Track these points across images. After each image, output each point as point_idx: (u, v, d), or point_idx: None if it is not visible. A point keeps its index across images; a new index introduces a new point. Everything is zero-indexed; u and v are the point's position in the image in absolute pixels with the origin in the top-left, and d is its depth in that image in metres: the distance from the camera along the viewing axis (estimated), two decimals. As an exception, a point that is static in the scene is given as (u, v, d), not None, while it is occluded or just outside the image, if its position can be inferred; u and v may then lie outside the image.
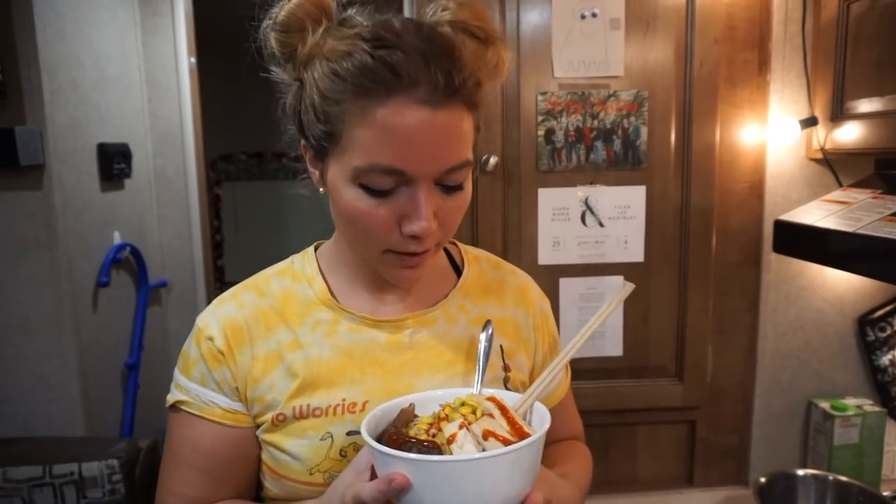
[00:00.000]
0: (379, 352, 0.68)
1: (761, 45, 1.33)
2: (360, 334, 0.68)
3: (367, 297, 0.71)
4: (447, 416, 0.55)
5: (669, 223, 1.34)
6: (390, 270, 0.64)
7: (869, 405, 1.35)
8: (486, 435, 0.53)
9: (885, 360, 1.38)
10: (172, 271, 2.15)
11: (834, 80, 1.22)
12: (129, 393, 1.80)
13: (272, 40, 0.63)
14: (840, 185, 1.32)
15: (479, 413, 0.55)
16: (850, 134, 1.19)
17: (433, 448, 0.52)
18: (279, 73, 0.65)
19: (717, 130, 1.32)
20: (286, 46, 0.62)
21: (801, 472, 1.26)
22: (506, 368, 0.72)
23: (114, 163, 1.77)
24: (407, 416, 0.58)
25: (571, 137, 1.30)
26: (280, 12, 0.61)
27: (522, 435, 0.53)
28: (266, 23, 0.63)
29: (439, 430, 0.54)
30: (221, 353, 0.67)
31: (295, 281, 0.72)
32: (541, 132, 1.30)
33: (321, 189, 0.66)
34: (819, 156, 1.29)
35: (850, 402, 1.36)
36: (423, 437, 0.54)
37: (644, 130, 1.31)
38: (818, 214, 1.17)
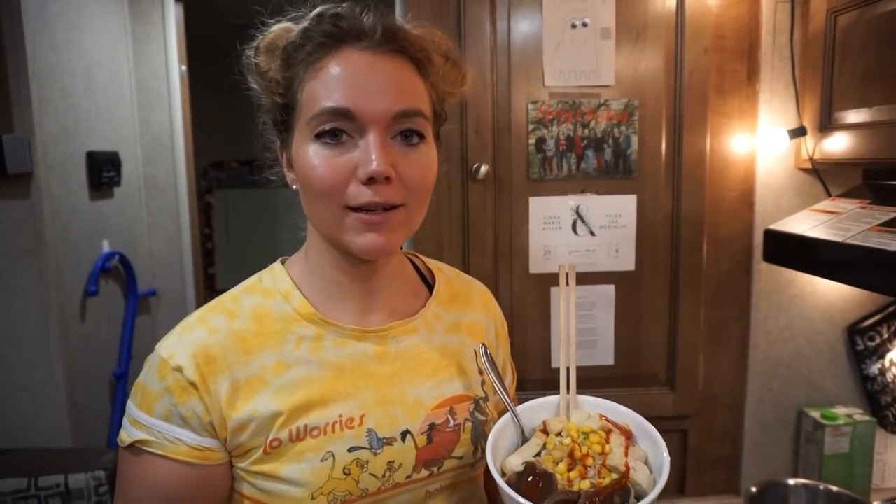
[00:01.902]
0: (368, 364, 0.67)
1: (750, 56, 1.34)
2: (346, 347, 0.67)
3: (347, 309, 0.69)
4: (578, 448, 0.58)
5: (660, 232, 1.35)
6: (354, 237, 0.62)
7: (859, 414, 1.36)
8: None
9: (875, 369, 1.38)
10: (162, 280, 2.14)
11: (822, 91, 1.23)
12: (118, 403, 1.78)
13: (258, 62, 0.68)
14: (829, 194, 1.33)
15: (599, 437, 0.59)
16: (839, 144, 1.20)
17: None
18: (258, 89, 0.69)
19: (707, 139, 1.33)
20: (260, 68, 0.68)
21: (791, 482, 1.26)
22: (480, 372, 0.74)
23: (103, 171, 1.76)
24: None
25: (562, 146, 1.31)
26: (262, 40, 0.68)
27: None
28: (250, 48, 0.69)
29: (584, 465, 0.56)
30: (192, 384, 0.61)
31: (267, 297, 0.68)
32: (532, 141, 1.30)
33: (294, 186, 0.68)
34: (808, 165, 1.30)
35: (841, 411, 1.37)
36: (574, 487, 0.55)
37: (635, 139, 1.31)
38: (807, 224, 1.18)
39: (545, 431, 0.61)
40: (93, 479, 1.34)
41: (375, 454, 0.63)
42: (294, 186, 0.67)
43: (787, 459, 1.44)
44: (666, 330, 1.38)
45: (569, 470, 0.56)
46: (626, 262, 1.35)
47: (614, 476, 0.55)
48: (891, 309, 1.38)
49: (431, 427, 0.67)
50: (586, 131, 1.31)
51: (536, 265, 1.34)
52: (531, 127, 1.30)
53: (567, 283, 0.66)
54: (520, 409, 0.64)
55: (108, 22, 1.88)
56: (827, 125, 1.23)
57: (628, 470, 0.55)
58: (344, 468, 0.62)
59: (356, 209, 0.61)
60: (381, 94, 0.60)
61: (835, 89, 1.21)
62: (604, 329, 1.36)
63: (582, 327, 1.35)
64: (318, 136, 0.60)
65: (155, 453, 0.61)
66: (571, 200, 1.32)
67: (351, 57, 0.61)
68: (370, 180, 0.59)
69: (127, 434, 0.63)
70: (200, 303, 2.20)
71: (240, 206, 3.76)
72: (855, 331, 1.39)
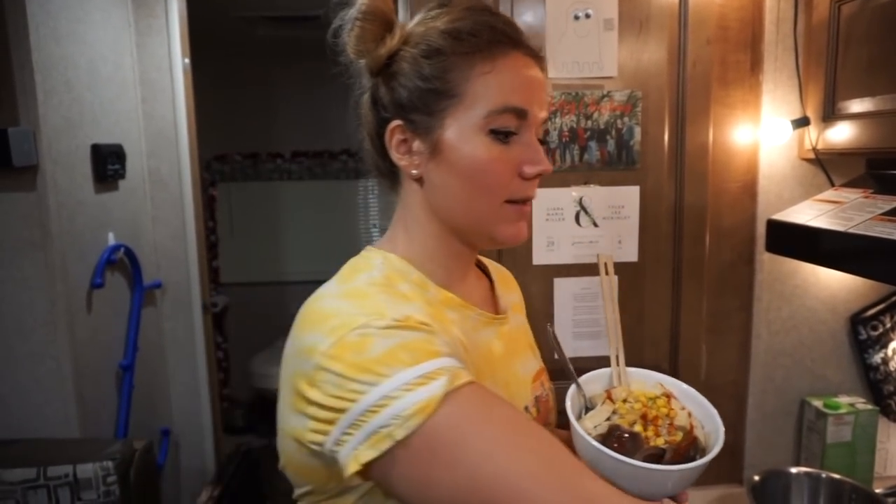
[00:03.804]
0: (493, 346, 0.72)
1: (753, 46, 1.34)
2: (478, 332, 0.71)
3: (465, 294, 0.72)
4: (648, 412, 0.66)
5: (663, 223, 1.35)
6: (506, 226, 0.67)
7: (861, 403, 1.36)
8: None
9: (878, 358, 1.39)
10: (167, 272, 2.15)
11: (825, 81, 1.23)
12: (124, 394, 1.80)
13: (355, 31, 0.66)
14: (832, 184, 1.33)
15: (664, 400, 0.67)
16: (842, 134, 1.20)
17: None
18: (357, 67, 0.69)
19: (710, 130, 1.33)
20: (366, 36, 0.66)
21: (794, 470, 1.26)
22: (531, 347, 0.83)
23: (108, 164, 1.77)
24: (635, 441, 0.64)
25: (565, 138, 1.31)
26: (362, 2, 0.65)
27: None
28: (349, 13, 0.67)
29: (654, 425, 0.63)
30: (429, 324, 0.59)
31: (402, 284, 0.66)
32: (535, 132, 1.30)
33: (414, 171, 0.67)
34: (811, 156, 1.30)
35: (843, 400, 1.37)
36: (658, 441, 0.62)
37: (638, 130, 1.31)
38: (810, 214, 1.18)
39: (611, 399, 0.68)
40: (101, 469, 1.35)
41: None
42: (415, 171, 0.67)
43: (790, 448, 1.45)
44: (669, 320, 1.38)
45: (643, 430, 0.63)
46: (629, 253, 1.35)
47: (680, 434, 0.63)
48: (894, 298, 1.39)
49: (537, 399, 0.76)
50: (589, 123, 1.31)
51: (540, 256, 1.34)
52: (534, 118, 1.30)
53: (606, 273, 0.74)
54: (581, 379, 0.73)
55: (111, 14, 1.88)
56: (830, 115, 1.23)
57: (692, 428, 0.63)
58: None
59: (512, 202, 0.66)
60: (542, 101, 0.67)
61: (838, 79, 1.21)
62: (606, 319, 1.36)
63: (585, 318, 1.36)
64: (493, 132, 0.64)
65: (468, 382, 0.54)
66: (574, 192, 1.32)
67: (524, 61, 0.65)
68: (533, 177, 0.66)
69: (431, 391, 0.52)
70: (206, 295, 2.21)
71: (243, 199, 3.76)
72: (858, 320, 1.39)
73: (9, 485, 1.31)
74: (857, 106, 1.15)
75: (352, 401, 0.53)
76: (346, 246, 4.04)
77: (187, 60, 2.12)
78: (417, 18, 0.69)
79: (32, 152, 1.43)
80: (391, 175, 0.72)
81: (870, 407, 1.35)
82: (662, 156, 1.33)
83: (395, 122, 0.67)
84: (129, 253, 1.88)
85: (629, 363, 0.73)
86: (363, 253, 0.72)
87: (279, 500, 2.92)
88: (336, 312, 0.59)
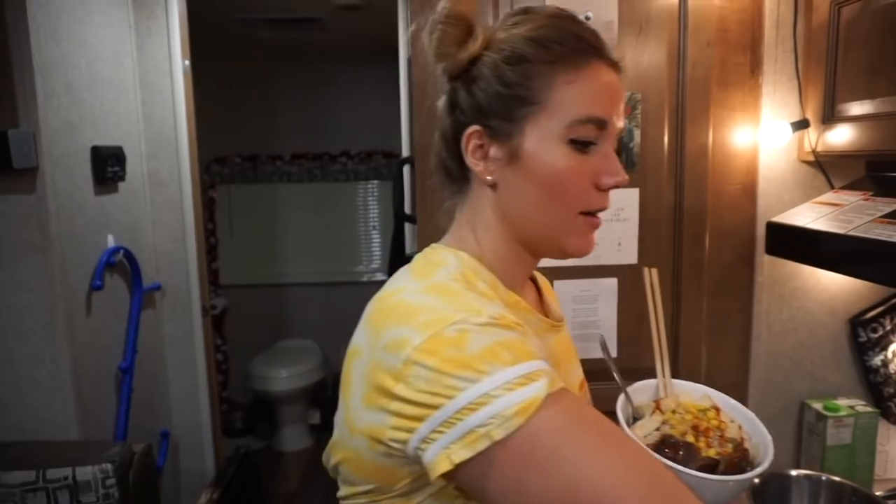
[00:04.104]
0: (555, 352, 0.73)
1: (753, 48, 1.34)
2: (543, 339, 0.71)
3: (529, 301, 0.73)
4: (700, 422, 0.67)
5: (663, 225, 1.35)
6: (576, 238, 0.67)
7: (861, 406, 1.36)
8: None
9: (877, 360, 1.39)
10: (167, 274, 2.15)
11: (825, 83, 1.23)
12: (123, 397, 1.80)
13: (437, 34, 0.66)
14: (832, 186, 1.33)
15: (714, 412, 0.69)
16: (842, 136, 1.20)
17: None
18: (440, 70, 0.69)
19: (709, 132, 1.33)
20: (447, 40, 0.66)
21: (794, 473, 1.26)
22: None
23: (107, 166, 1.77)
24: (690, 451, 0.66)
25: (565, 140, 1.31)
26: (444, 6, 0.66)
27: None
28: (431, 17, 0.66)
29: (706, 436, 0.66)
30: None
31: (484, 284, 0.66)
32: (535, 135, 1.30)
33: (489, 177, 0.67)
34: (811, 158, 1.30)
35: (843, 402, 1.37)
36: (711, 452, 0.64)
37: (637, 133, 1.31)
38: (810, 216, 1.18)
39: (660, 409, 0.70)
40: (100, 472, 1.35)
41: None
42: (490, 178, 0.67)
43: (790, 451, 1.45)
44: (669, 322, 1.38)
45: (696, 441, 0.65)
46: (628, 255, 1.35)
47: (731, 446, 0.65)
48: (893, 301, 1.39)
49: None
50: (589, 124, 1.31)
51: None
52: (534, 120, 1.30)
53: (652, 285, 0.80)
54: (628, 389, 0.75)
55: (112, 16, 1.88)
56: (830, 117, 1.23)
57: (743, 440, 0.65)
58: None
59: (586, 213, 0.66)
60: (621, 111, 0.67)
61: (838, 81, 1.21)
62: (607, 322, 1.36)
63: (585, 320, 1.36)
64: (573, 141, 0.63)
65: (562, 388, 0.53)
66: (574, 193, 1.32)
67: (606, 71, 0.65)
68: (610, 188, 0.65)
69: (533, 391, 0.50)
70: (205, 298, 2.21)
71: (242, 201, 3.76)
72: (857, 322, 1.39)
73: (8, 487, 1.31)
74: (857, 108, 1.15)
75: (447, 397, 0.50)
76: (345, 248, 4.05)
77: (187, 62, 2.13)
78: (498, 24, 0.69)
79: (32, 154, 1.43)
80: (461, 178, 0.71)
81: (870, 409, 1.35)
82: (662, 158, 1.33)
83: (473, 128, 0.66)
84: (129, 255, 1.88)
85: (629, 365, 0.75)
86: (431, 249, 0.71)
87: (279, 502, 2.92)
88: (426, 307, 0.57)
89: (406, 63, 1.79)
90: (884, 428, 1.38)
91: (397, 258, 2.63)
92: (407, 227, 1.89)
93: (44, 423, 1.53)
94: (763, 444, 0.65)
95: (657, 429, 0.66)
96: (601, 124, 0.64)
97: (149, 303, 2.07)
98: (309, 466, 3.26)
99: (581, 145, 0.63)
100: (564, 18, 0.66)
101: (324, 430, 3.57)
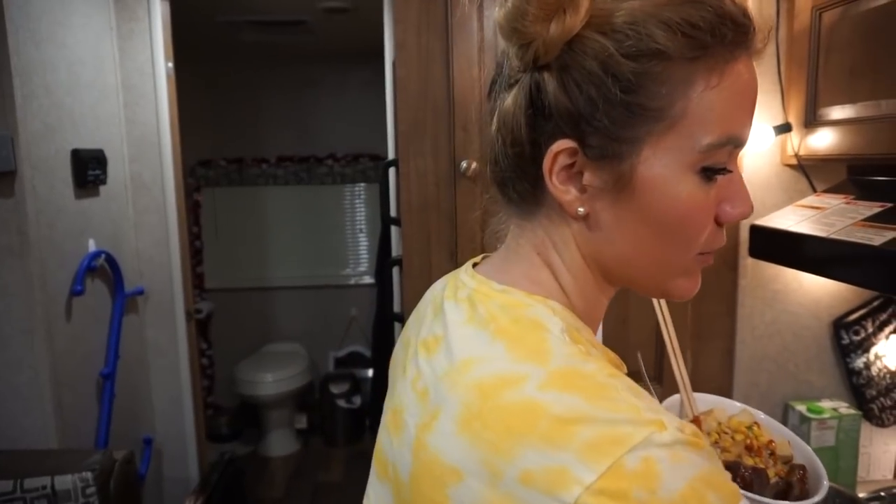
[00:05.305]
0: None
1: (736, 53, 1.35)
2: None
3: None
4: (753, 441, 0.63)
5: (648, 228, 1.35)
6: (686, 281, 0.53)
7: (844, 408, 1.37)
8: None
9: (860, 362, 1.40)
10: (150, 279, 2.12)
11: (807, 88, 1.24)
12: (105, 403, 1.77)
13: (516, 1, 0.46)
14: (814, 190, 1.34)
15: (760, 429, 0.65)
16: (824, 140, 1.21)
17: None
18: (511, 65, 0.50)
19: (693, 136, 1.33)
20: (530, 10, 0.46)
21: (778, 475, 1.27)
22: None
23: (88, 169, 1.74)
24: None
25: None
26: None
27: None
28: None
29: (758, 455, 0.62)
30: None
31: (595, 350, 0.52)
32: (520, 138, 1.30)
33: (580, 209, 0.49)
34: (793, 162, 1.31)
35: (826, 404, 1.38)
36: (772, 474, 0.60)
37: (622, 136, 1.31)
38: (792, 219, 1.19)
39: (700, 429, 0.64)
40: (80, 481, 1.33)
41: None
42: (581, 210, 0.49)
43: (774, 453, 1.45)
44: (653, 326, 1.38)
45: (752, 462, 0.61)
46: (614, 258, 1.35)
47: (782, 464, 0.62)
48: (875, 303, 1.40)
49: None
50: (574, 128, 1.31)
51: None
52: (519, 124, 1.30)
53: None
54: None
55: (92, 18, 1.86)
56: (812, 121, 1.24)
57: (793, 457, 0.62)
58: None
59: (702, 253, 0.52)
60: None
61: (820, 86, 1.22)
62: (592, 325, 1.36)
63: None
64: (705, 170, 0.47)
65: None
66: (559, 197, 1.32)
67: (748, 67, 0.48)
68: (734, 220, 0.51)
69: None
70: (189, 302, 2.19)
71: (228, 204, 3.73)
72: (840, 325, 1.40)
73: (-16, 497, 1.28)
74: (838, 112, 1.16)
75: None
76: (332, 251, 4.03)
77: (171, 64, 2.11)
78: None
79: (11, 158, 1.41)
80: (530, 200, 0.53)
81: (853, 411, 1.36)
82: (647, 162, 1.33)
83: (565, 143, 0.48)
84: (111, 259, 1.85)
85: (616, 370, 0.73)
86: (503, 294, 0.52)
87: (264, 508, 2.89)
88: (578, 416, 0.40)
89: (392, 65, 1.78)
90: (867, 430, 1.39)
91: (384, 261, 2.62)
92: (393, 230, 1.88)
93: (22, 431, 1.50)
94: (807, 459, 0.60)
95: None
96: (740, 144, 0.48)
97: (131, 308, 2.04)
98: (295, 471, 3.23)
99: (713, 173, 0.47)
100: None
101: (310, 435, 3.55)
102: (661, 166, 0.47)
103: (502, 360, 0.46)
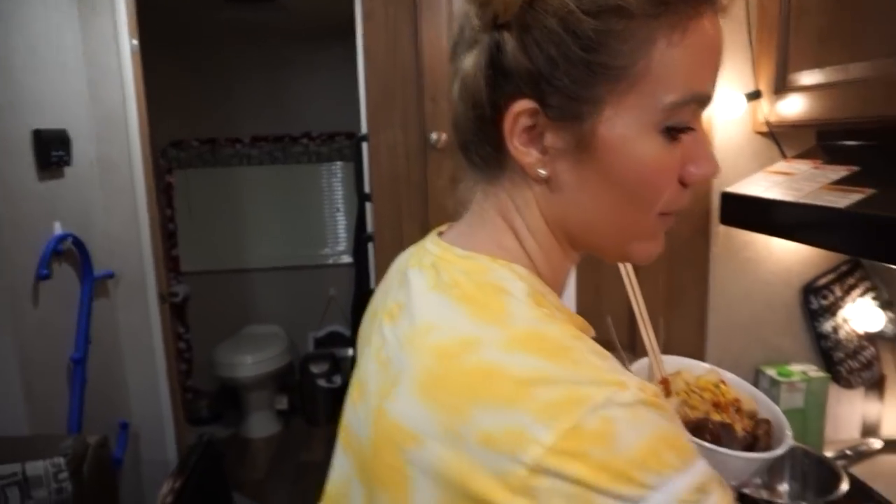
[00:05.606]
0: None
1: (707, 20, 1.34)
2: None
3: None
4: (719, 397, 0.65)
5: (620, 198, 1.35)
6: (649, 243, 0.52)
7: (813, 371, 1.39)
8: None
9: (828, 326, 1.42)
10: (120, 261, 2.08)
11: (777, 53, 1.24)
12: (76, 388, 1.74)
13: None
14: (784, 157, 1.34)
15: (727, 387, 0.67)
16: (793, 107, 1.21)
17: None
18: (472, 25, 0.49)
19: (664, 105, 1.33)
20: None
21: (750, 438, 1.29)
22: None
23: (51, 150, 1.70)
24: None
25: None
26: None
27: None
28: None
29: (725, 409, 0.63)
30: None
31: (561, 312, 0.51)
32: (491, 109, 1.29)
33: (542, 171, 0.48)
34: (764, 129, 1.31)
35: (795, 368, 1.40)
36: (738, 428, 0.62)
37: (593, 106, 1.31)
38: (762, 186, 1.19)
39: (668, 389, 0.67)
40: (52, 466, 1.31)
41: None
42: (543, 172, 0.48)
43: (747, 418, 1.48)
44: (626, 295, 1.39)
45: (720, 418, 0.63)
46: (587, 229, 1.35)
47: (748, 419, 0.63)
48: (843, 268, 1.42)
49: None
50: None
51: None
52: (489, 94, 1.28)
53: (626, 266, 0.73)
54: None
55: (50, -7, 1.80)
56: (782, 88, 1.24)
57: (757, 412, 0.64)
58: None
59: (664, 213, 0.51)
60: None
61: (790, 51, 1.22)
62: (565, 296, 1.36)
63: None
64: (669, 129, 0.46)
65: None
66: (532, 168, 1.31)
67: (714, 22, 0.47)
68: (699, 181, 0.50)
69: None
70: (162, 284, 2.15)
71: (202, 185, 3.67)
72: (809, 290, 1.42)
73: (-47, 485, 1.26)
74: (807, 78, 1.16)
75: None
76: (309, 231, 3.99)
77: (135, 41, 2.04)
78: None
79: (-34, 137, 1.37)
80: (493, 163, 0.52)
81: (821, 374, 1.38)
82: (618, 131, 1.33)
83: (525, 103, 0.47)
84: (78, 242, 1.81)
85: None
86: (465, 259, 0.51)
87: (246, 489, 2.89)
88: (538, 377, 0.40)
89: (363, 40, 1.75)
90: (834, 391, 1.42)
91: (361, 238, 2.60)
92: (368, 206, 1.86)
93: (-9, 417, 1.48)
94: (771, 413, 0.63)
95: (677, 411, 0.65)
96: (704, 102, 0.48)
97: (101, 291, 2.01)
98: (276, 452, 3.23)
99: (676, 132, 0.47)
100: None
101: (291, 415, 3.55)
102: (623, 126, 0.46)
103: (464, 324, 0.45)
